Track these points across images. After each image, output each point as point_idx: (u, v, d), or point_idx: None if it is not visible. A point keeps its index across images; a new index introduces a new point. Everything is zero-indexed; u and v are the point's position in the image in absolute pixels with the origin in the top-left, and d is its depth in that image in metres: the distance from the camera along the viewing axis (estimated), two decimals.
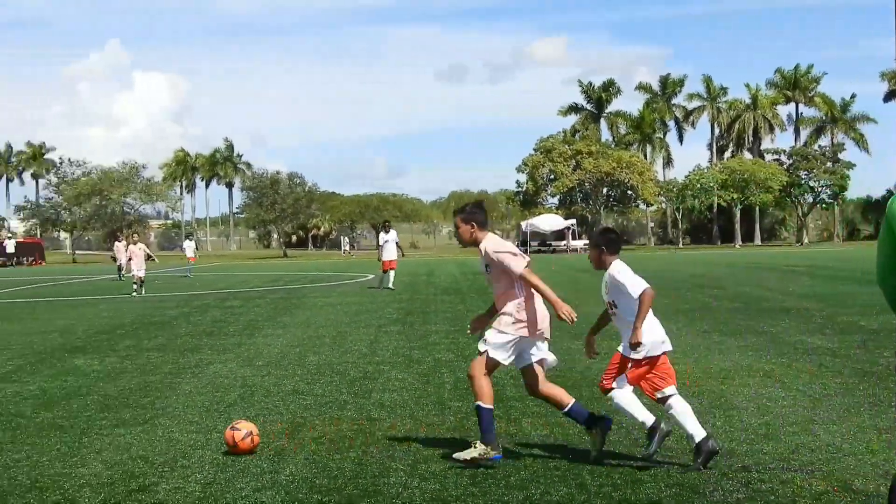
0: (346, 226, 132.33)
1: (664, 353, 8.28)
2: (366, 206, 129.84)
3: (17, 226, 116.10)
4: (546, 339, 8.72)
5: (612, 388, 8.30)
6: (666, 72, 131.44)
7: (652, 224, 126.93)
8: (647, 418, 8.24)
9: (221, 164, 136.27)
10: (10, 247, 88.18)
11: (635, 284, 8.19)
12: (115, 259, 48.83)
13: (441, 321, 21.99)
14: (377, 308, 26.44)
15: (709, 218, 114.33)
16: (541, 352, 8.72)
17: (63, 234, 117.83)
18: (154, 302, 31.34)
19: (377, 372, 14.32)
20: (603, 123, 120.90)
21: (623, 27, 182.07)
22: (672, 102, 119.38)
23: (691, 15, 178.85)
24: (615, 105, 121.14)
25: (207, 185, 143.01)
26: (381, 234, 34.74)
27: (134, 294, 33.69)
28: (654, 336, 8.22)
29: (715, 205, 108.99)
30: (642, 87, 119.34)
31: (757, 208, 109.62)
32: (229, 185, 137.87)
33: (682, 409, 8.12)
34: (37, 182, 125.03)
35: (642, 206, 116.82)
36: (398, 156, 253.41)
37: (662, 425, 8.18)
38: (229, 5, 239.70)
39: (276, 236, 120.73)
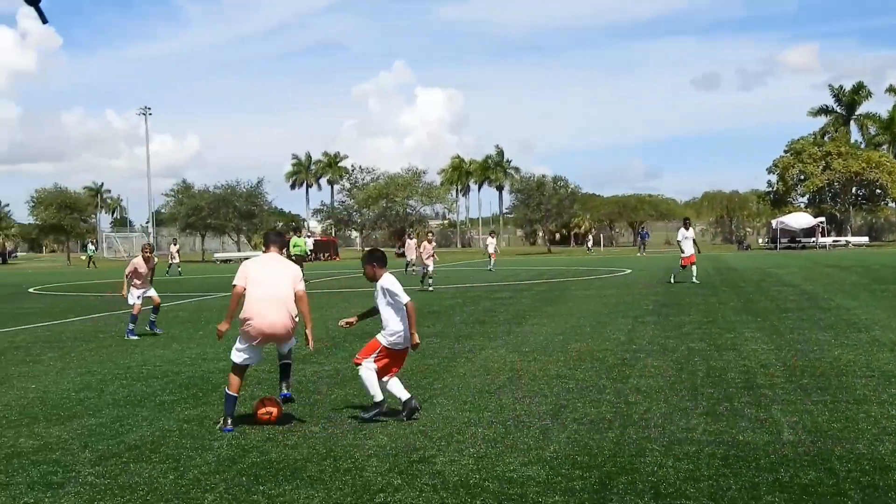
0: (605, 224, 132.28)
1: (406, 348, 10.55)
2: (623, 206, 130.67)
3: (315, 226, 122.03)
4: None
5: (361, 364, 10.38)
6: None
7: None
8: (377, 394, 10.25)
9: (492, 169, 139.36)
10: (309, 244, 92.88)
11: (402, 296, 10.40)
12: (403, 255, 50.81)
13: (694, 312, 21.86)
14: (634, 300, 26.45)
15: None
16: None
17: (354, 233, 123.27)
18: (435, 293, 32.32)
19: (634, 359, 14.46)
20: (852, 125, 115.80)
21: (873, 32, 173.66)
22: None
23: None
24: (865, 107, 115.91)
25: (479, 188, 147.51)
26: (681, 231, 34.38)
27: (429, 288, 33.43)
28: (405, 335, 10.41)
29: None
30: (892, 90, 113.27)
31: None
32: (499, 188, 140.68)
33: (395, 385, 10.46)
34: (332, 187, 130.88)
35: (892, 205, 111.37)
36: (655, 158, 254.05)
37: (414, 402, 10.37)
38: (502, 28, 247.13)
39: (540, 234, 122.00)
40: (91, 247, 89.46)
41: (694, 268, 33.78)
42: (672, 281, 33.18)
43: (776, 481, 7.57)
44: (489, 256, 52.29)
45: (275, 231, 13.22)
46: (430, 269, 35.07)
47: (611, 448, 8.79)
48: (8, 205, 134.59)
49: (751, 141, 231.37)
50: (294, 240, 43.29)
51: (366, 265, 10.83)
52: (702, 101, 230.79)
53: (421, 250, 37.20)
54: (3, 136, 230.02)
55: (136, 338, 19.50)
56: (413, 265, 46.99)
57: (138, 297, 20.38)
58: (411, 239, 51.92)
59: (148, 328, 20.50)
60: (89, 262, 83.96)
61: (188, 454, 9.04)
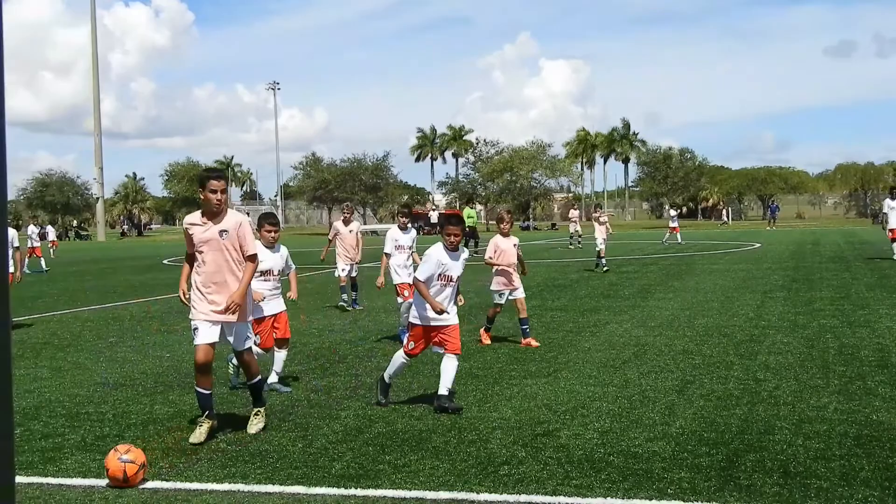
0: (734, 198, 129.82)
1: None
2: (753, 178, 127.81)
3: (440, 199, 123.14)
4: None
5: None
6: None
7: None
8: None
9: (618, 142, 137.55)
10: (433, 217, 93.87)
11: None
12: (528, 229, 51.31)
13: (826, 288, 21.47)
14: (763, 275, 26.10)
15: None
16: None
17: (479, 206, 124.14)
18: (559, 266, 32.44)
19: (763, 335, 14.31)
20: None
21: None
22: None
23: None
24: None
25: (605, 161, 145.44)
26: (887, 201, 30.64)
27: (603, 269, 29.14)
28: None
29: None
30: None
31: None
32: (625, 161, 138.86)
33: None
34: (457, 160, 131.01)
35: None
36: (785, 130, 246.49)
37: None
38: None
39: (667, 207, 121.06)
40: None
41: None
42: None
43: None
44: (672, 231, 50.63)
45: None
46: (601, 246, 30.28)
47: (738, 425, 8.72)
48: (143, 178, 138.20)
49: (888, 110, 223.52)
50: (466, 210, 43.51)
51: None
52: (836, 69, 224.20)
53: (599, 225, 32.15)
54: (139, 112, 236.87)
55: (344, 304, 19.90)
56: (579, 237, 47.27)
57: (343, 270, 19.93)
58: (576, 210, 52.78)
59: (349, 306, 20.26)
60: None
61: (316, 423, 9.21)
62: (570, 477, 7.22)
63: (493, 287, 14.44)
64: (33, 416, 9.85)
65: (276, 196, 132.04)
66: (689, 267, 31.17)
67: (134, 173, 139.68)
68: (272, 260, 11.18)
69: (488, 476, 7.29)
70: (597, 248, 30.25)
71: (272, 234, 11.24)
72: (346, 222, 20.24)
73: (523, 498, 6.77)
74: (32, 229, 45.49)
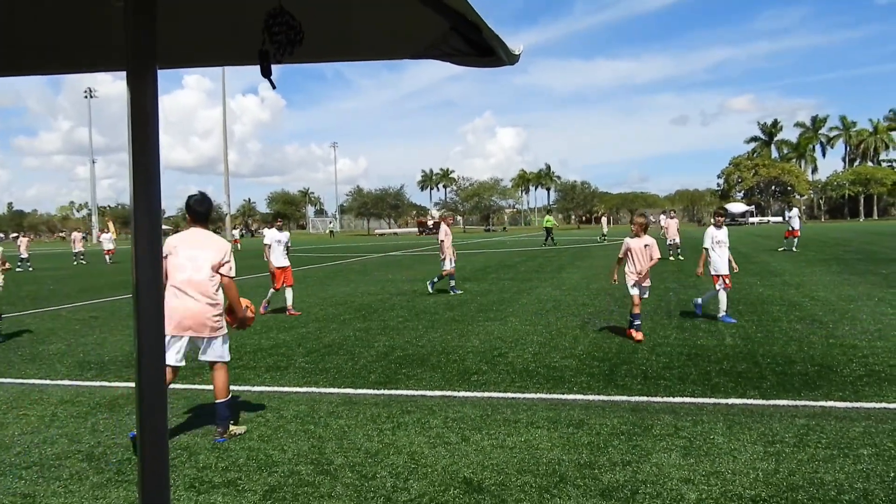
0: (614, 210, 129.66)
1: None
2: (625, 199, 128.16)
3: (436, 213, 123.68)
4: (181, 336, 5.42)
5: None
6: (814, 114, 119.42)
7: (803, 207, 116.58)
8: None
9: (544, 178, 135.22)
10: (430, 223, 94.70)
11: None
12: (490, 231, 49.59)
13: (668, 264, 21.28)
14: None
15: (842, 202, 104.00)
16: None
17: (459, 217, 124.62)
18: (508, 253, 32.14)
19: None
20: (773, 147, 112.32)
21: (790, 89, 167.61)
22: (819, 132, 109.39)
23: (835, 79, 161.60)
24: (781, 135, 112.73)
25: (536, 189, 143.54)
26: (795, 209, 26.95)
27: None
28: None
29: (847, 195, 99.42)
30: (799, 125, 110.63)
31: (875, 196, 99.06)
32: (548, 189, 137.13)
33: None
34: (445, 189, 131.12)
35: (796, 196, 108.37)
36: (646, 169, 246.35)
37: None
38: (551, 89, 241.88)
39: (573, 217, 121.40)
40: (330, 224, 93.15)
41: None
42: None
43: (721, 370, 7.40)
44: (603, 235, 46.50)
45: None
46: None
47: (616, 348, 8.70)
48: (255, 202, 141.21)
49: (709, 156, 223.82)
50: (547, 217, 41.79)
51: None
52: (676, 132, 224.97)
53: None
54: (251, 160, 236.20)
55: (459, 292, 15.32)
56: (605, 236, 44.43)
57: (451, 262, 15.38)
58: (604, 217, 51.24)
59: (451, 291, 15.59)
60: (331, 234, 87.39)
61: (359, 350, 9.18)
62: (515, 381, 7.21)
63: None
64: None
65: (335, 213, 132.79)
66: (588, 252, 30.96)
67: (248, 198, 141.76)
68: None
69: (465, 381, 7.27)
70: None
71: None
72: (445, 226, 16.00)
73: (486, 394, 6.75)
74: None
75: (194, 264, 5.44)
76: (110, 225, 44.41)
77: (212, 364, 5.57)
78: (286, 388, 7.24)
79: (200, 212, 5.59)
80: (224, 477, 4.75)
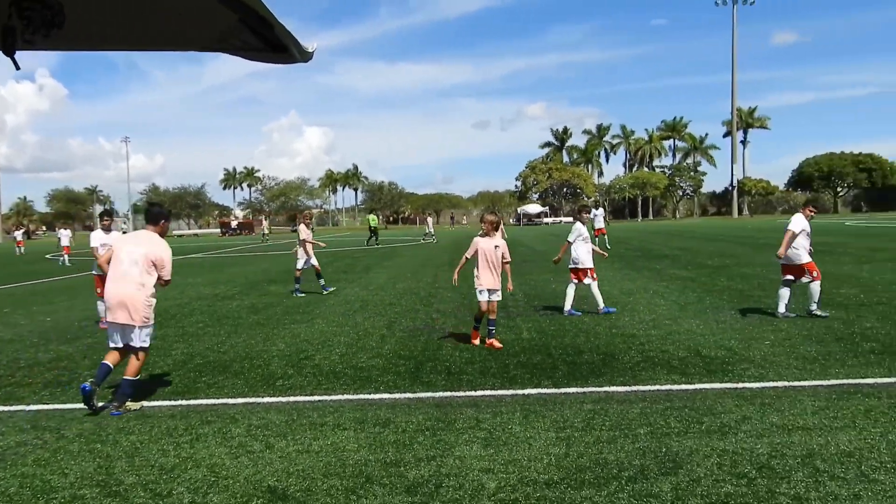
0: (421, 211, 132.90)
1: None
2: (431, 199, 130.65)
3: (239, 213, 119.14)
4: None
5: None
6: (599, 122, 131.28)
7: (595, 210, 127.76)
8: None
9: (351, 178, 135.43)
10: (233, 224, 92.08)
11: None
12: (296, 231, 48.57)
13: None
14: (438, 255, 26.40)
15: (623, 204, 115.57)
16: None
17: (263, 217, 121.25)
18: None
19: (436, 292, 14.51)
20: (564, 152, 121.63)
21: (578, 99, 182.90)
22: (604, 139, 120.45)
23: (617, 92, 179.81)
24: (571, 141, 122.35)
25: (343, 189, 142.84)
26: (595, 210, 27.25)
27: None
28: None
29: (627, 197, 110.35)
30: (587, 132, 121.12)
31: (650, 198, 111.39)
32: (355, 189, 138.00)
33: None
34: (250, 189, 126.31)
35: (585, 198, 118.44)
36: (450, 171, 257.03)
37: None
38: (357, 90, 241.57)
39: (381, 217, 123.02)
40: (123, 225, 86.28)
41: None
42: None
43: (518, 363, 7.73)
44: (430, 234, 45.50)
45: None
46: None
47: (422, 347, 8.83)
48: (32, 201, 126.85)
49: (507, 159, 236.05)
50: (370, 216, 42.35)
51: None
52: (478, 136, 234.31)
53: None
54: (27, 153, 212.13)
55: (302, 295, 14.78)
56: (431, 235, 44.54)
57: (305, 264, 15.07)
58: (430, 217, 51.13)
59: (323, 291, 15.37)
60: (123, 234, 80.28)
61: (154, 359, 8.55)
62: (322, 383, 7.11)
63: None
64: None
65: (127, 211, 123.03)
66: (394, 252, 31.27)
67: (24, 196, 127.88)
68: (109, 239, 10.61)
69: (269, 387, 7.07)
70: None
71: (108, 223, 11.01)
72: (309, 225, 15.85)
73: (292, 398, 6.60)
74: None
75: None
76: None
77: None
78: (68, 406, 6.62)
79: None
80: None
